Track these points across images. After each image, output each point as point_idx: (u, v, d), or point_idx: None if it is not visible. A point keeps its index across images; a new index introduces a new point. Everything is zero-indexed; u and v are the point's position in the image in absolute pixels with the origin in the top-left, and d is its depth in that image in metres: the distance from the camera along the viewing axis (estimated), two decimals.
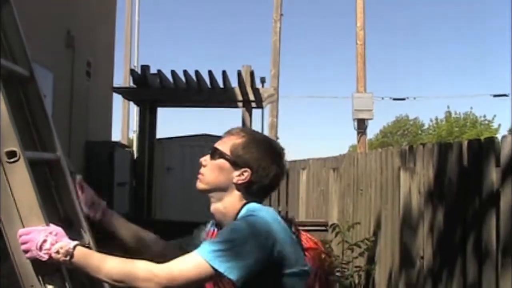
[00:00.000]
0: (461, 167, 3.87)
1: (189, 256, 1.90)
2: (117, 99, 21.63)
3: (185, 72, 9.96)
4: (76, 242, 1.90)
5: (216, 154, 2.14)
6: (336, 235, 6.10)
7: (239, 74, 9.83)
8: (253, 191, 2.11)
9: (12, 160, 1.91)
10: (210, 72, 9.82)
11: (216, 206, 2.13)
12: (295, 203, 10.48)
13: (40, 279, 1.91)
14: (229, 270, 1.85)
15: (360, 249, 5.73)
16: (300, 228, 2.22)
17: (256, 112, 11.75)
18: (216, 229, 2.23)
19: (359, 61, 17.34)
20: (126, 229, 2.34)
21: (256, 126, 12.65)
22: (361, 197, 6.36)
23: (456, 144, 3.97)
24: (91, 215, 2.28)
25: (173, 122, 62.83)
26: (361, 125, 17.32)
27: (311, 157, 10.07)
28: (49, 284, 1.94)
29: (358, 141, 17.50)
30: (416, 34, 74.50)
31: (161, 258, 1.99)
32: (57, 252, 1.86)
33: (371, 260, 5.81)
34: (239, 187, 2.11)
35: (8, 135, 1.92)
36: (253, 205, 2.07)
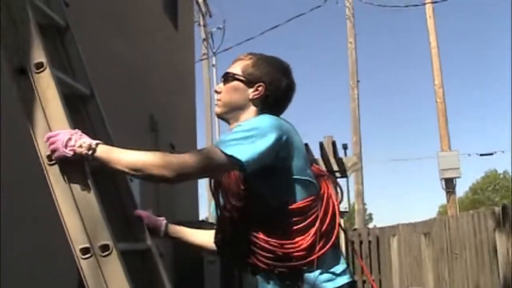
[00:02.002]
0: None
1: (205, 148, 2.04)
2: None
3: None
4: (98, 141, 2.00)
5: (228, 77, 2.25)
6: None
7: (321, 145, 9.84)
8: (269, 104, 2.22)
9: (105, 253, 1.96)
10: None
11: (234, 125, 2.18)
12: (388, 271, 10.19)
13: None
14: (238, 152, 1.94)
15: None
16: None
17: (341, 180, 11.67)
18: None
19: (440, 119, 17.01)
20: (189, 236, 2.48)
21: None
22: (456, 261, 6.13)
23: None
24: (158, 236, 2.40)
25: None
26: (449, 184, 16.82)
27: (401, 223, 9.84)
28: None
29: (448, 201, 16.96)
30: (495, 85, 72.85)
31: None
32: (80, 146, 1.95)
33: None
34: (255, 102, 2.22)
35: (100, 229, 1.98)
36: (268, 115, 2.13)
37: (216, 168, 2.01)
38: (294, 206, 2.06)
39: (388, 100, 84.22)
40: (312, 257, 2.04)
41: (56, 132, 1.99)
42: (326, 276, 2.09)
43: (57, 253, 3.78)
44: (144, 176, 2.00)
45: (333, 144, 10.04)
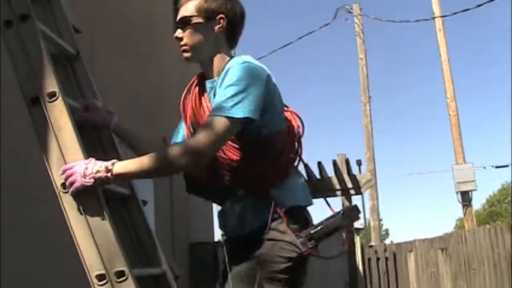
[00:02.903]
0: None
1: (211, 120, 2.02)
2: None
3: None
4: (114, 160, 2.01)
5: (185, 22, 2.25)
6: None
7: (335, 163, 9.82)
8: (233, 33, 2.29)
9: (121, 279, 1.96)
10: (306, 165, 9.85)
11: (207, 69, 2.27)
12: None
13: None
14: (242, 111, 2.00)
15: None
16: None
17: (355, 197, 11.62)
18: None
19: (454, 132, 16.93)
20: (136, 139, 2.50)
21: None
22: (475, 276, 6.07)
23: None
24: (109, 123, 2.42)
25: None
26: (465, 198, 16.68)
27: (417, 238, 9.77)
28: None
29: (465, 214, 16.81)
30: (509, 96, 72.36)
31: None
32: (98, 171, 1.95)
33: None
34: (220, 35, 2.25)
35: (115, 255, 1.98)
36: (245, 56, 2.18)
37: (230, 135, 2.07)
38: (274, 136, 2.21)
39: (400, 114, 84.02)
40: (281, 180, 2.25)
41: (71, 164, 2.00)
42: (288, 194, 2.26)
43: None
44: (172, 169, 2.10)
45: (347, 161, 10.01)
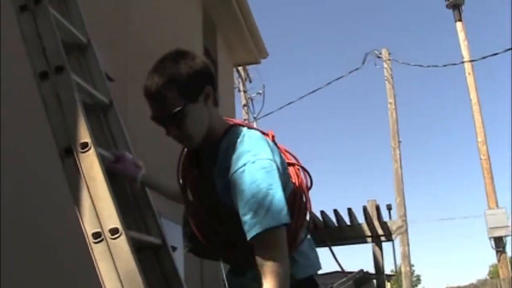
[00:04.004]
0: None
1: (261, 243, 1.90)
2: None
3: (311, 214, 9.93)
4: None
5: (175, 115, 2.00)
6: None
7: (365, 209, 9.72)
8: (216, 92, 2.09)
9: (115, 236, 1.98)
10: (335, 211, 9.77)
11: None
12: None
13: None
14: (274, 219, 1.90)
15: None
16: None
17: (386, 244, 11.47)
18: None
19: (485, 176, 16.65)
20: (165, 188, 2.48)
21: (388, 257, 12.32)
22: None
23: None
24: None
25: None
26: (499, 243, 16.31)
27: (449, 286, 9.56)
28: None
29: (499, 261, 16.42)
30: None
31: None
32: None
33: None
34: (210, 103, 2.07)
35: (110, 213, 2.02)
36: (248, 141, 2.04)
37: (286, 247, 1.96)
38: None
39: (431, 158, 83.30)
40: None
41: None
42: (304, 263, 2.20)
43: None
44: None
45: (377, 208, 9.91)
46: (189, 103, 2.01)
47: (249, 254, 1.95)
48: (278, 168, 2.00)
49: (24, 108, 3.49)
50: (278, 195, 1.93)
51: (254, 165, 1.95)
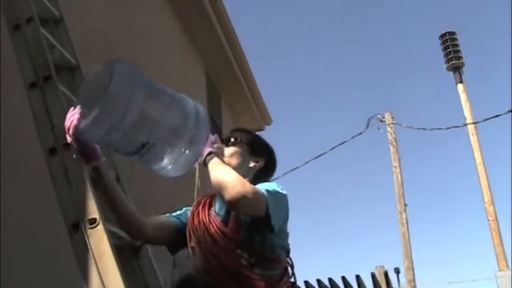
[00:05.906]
0: None
1: (262, 191, 2.07)
2: None
3: (318, 281, 9.85)
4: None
5: (234, 141, 2.40)
6: None
7: (373, 276, 9.63)
8: (261, 177, 2.35)
9: None
10: (343, 278, 9.67)
11: None
12: None
13: None
14: (275, 217, 2.07)
15: None
16: None
17: None
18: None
19: (494, 237, 16.51)
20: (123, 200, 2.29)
21: None
22: None
23: None
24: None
25: None
26: None
27: None
28: None
29: None
30: None
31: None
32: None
33: None
34: (252, 171, 2.37)
35: None
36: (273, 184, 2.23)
37: (258, 212, 2.06)
38: (283, 257, 2.25)
39: (438, 220, 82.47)
40: None
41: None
42: None
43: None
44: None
45: (385, 274, 9.81)
46: (247, 146, 2.41)
47: None
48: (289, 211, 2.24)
49: (24, 107, 3.41)
50: (284, 205, 2.21)
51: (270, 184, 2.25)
